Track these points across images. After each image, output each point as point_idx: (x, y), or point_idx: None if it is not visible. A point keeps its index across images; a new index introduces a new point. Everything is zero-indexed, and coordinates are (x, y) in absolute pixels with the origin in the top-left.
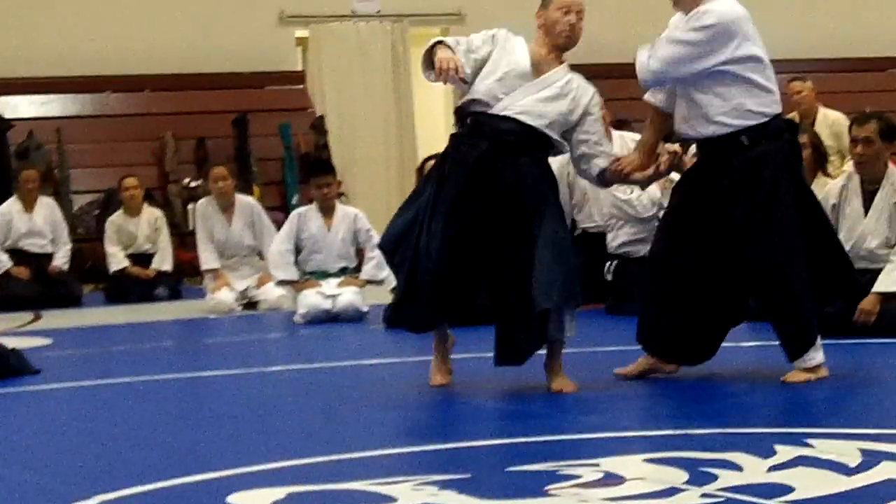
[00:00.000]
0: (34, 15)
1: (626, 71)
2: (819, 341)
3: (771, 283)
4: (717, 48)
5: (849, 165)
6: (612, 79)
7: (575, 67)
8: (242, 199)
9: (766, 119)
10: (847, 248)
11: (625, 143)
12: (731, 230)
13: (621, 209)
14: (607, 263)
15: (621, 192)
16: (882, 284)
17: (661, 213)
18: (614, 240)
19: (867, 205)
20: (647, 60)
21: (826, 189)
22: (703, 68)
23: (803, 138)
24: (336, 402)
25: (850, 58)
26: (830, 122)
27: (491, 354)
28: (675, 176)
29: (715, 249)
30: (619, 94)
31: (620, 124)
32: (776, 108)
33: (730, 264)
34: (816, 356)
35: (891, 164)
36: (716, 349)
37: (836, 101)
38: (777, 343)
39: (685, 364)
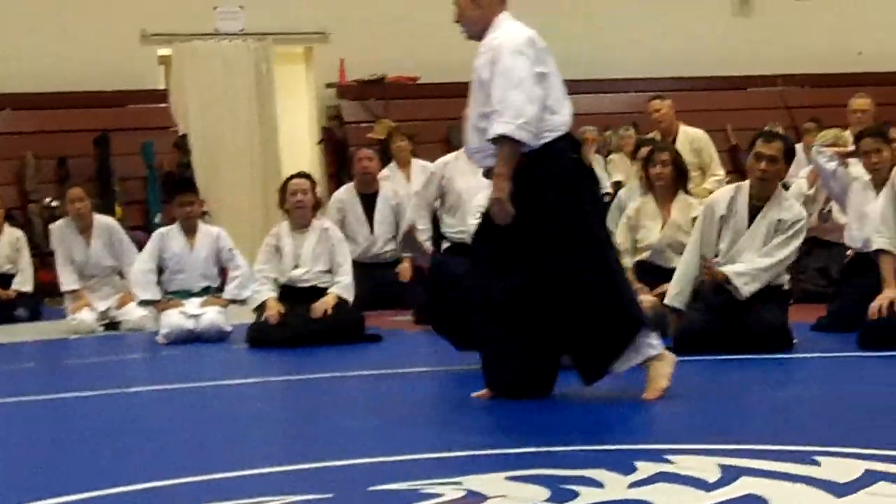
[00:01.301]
0: None
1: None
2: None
3: (572, 305)
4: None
5: (709, 182)
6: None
7: (433, 86)
8: (101, 220)
9: (548, 140)
10: (722, 260)
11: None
12: (524, 254)
13: None
14: None
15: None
16: (728, 269)
17: None
18: None
19: (751, 219)
20: (514, 124)
21: (712, 198)
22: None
23: (664, 156)
24: (198, 423)
25: (711, 76)
26: (691, 139)
27: (356, 373)
28: None
29: (515, 275)
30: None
31: None
32: (562, 129)
33: (532, 289)
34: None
35: (779, 186)
36: (547, 380)
37: (696, 118)
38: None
39: (524, 398)
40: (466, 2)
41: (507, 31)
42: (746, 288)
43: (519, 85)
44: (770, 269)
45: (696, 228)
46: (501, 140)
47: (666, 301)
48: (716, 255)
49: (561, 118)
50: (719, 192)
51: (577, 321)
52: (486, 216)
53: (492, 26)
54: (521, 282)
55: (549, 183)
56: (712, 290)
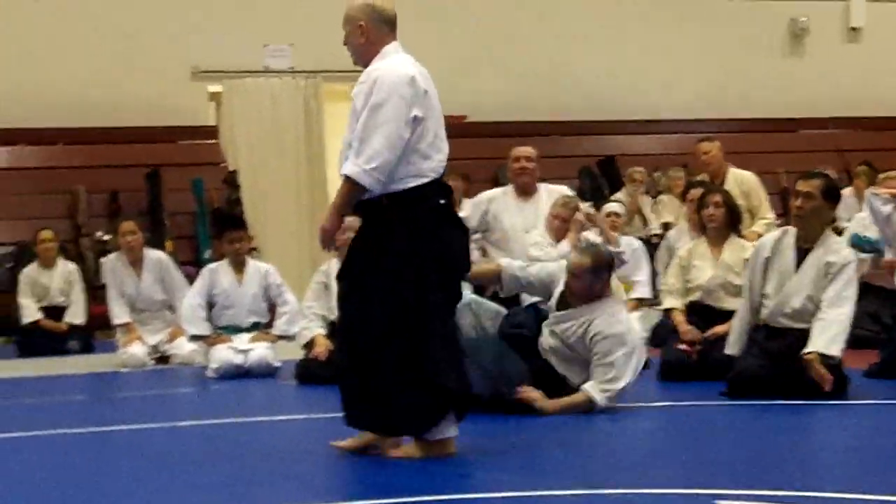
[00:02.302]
0: None
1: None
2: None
3: (357, 356)
4: None
5: (759, 224)
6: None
7: (481, 125)
8: (152, 254)
9: (411, 185)
10: (773, 302)
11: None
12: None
13: None
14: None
15: (534, 248)
16: (816, 345)
17: None
18: (531, 297)
19: (799, 262)
20: (362, 168)
21: (760, 242)
22: None
23: (716, 198)
24: (245, 458)
25: (762, 118)
26: (740, 181)
27: None
28: (590, 234)
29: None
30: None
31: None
32: (429, 175)
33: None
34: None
35: (828, 229)
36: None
37: (747, 160)
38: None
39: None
40: (352, 28)
41: (391, 65)
42: (838, 347)
43: (383, 127)
44: (850, 318)
45: (745, 276)
46: (346, 178)
47: (726, 350)
48: (762, 297)
49: (430, 164)
50: (767, 235)
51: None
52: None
53: (379, 55)
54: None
55: (399, 230)
56: (765, 335)
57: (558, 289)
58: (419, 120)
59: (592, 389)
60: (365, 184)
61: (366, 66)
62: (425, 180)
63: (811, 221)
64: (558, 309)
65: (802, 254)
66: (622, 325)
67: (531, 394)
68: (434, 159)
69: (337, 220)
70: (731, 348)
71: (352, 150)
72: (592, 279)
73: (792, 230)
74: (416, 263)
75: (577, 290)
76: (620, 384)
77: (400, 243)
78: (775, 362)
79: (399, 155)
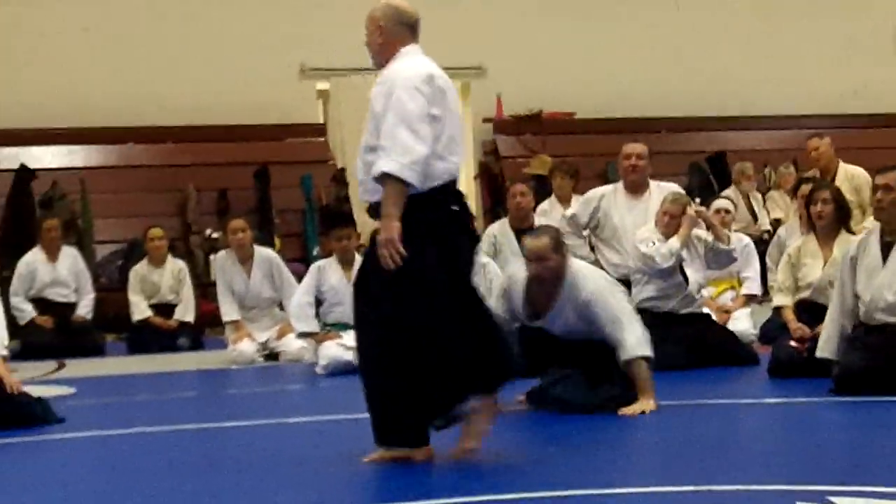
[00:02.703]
0: (57, 66)
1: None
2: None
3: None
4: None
5: (870, 220)
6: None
7: (590, 122)
8: (261, 251)
9: (430, 185)
10: (866, 299)
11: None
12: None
13: (645, 263)
14: None
15: (643, 245)
16: None
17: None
18: (639, 294)
19: (885, 256)
20: (400, 163)
21: (849, 244)
22: None
23: (825, 194)
24: (356, 453)
25: (872, 114)
26: (850, 177)
27: None
28: (700, 231)
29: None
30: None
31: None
32: (444, 178)
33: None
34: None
35: None
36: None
37: (857, 156)
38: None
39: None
40: (372, 28)
41: (408, 64)
42: None
43: (409, 123)
44: None
45: (837, 277)
46: (387, 178)
47: (817, 353)
48: (856, 297)
49: (446, 165)
50: (854, 237)
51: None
52: (372, 249)
53: (395, 57)
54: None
55: (413, 234)
56: (865, 332)
57: (519, 300)
58: (437, 118)
59: (636, 351)
60: (407, 179)
61: (381, 67)
62: (440, 182)
63: (892, 213)
64: (531, 319)
65: (888, 247)
66: (595, 279)
67: (634, 409)
68: (449, 161)
69: (397, 227)
70: (822, 351)
71: (382, 150)
72: (559, 256)
73: (876, 227)
74: (420, 267)
75: (549, 273)
76: (638, 326)
77: (414, 249)
78: (881, 356)
79: (428, 151)
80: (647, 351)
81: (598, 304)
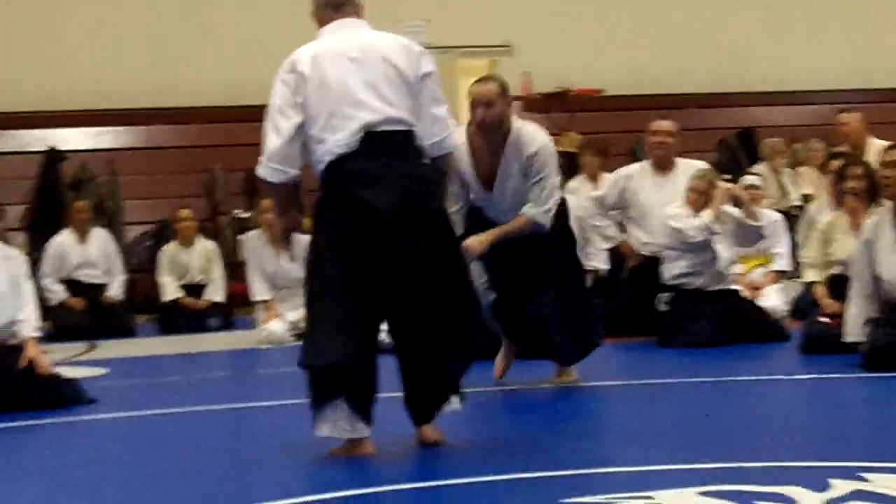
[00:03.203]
0: (85, 48)
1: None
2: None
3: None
4: None
5: None
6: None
7: (618, 99)
8: None
9: (320, 169)
10: (887, 278)
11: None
12: None
13: (677, 238)
14: (659, 294)
15: (674, 220)
16: None
17: (713, 239)
18: (670, 270)
19: None
20: (260, 163)
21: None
22: None
23: (857, 170)
24: (381, 433)
25: None
26: (880, 153)
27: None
28: (728, 208)
29: None
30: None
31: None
32: (325, 159)
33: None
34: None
35: None
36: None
37: (887, 131)
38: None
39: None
40: (313, 18)
41: (297, 50)
42: None
43: (271, 117)
44: None
45: (854, 261)
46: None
47: (844, 339)
48: (876, 280)
49: (326, 147)
50: (869, 219)
51: None
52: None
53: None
54: None
55: (315, 220)
56: (891, 310)
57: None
58: (300, 106)
59: (538, 219)
60: (263, 177)
61: None
62: (321, 166)
63: None
64: (484, 189)
65: None
66: (543, 136)
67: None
68: (328, 141)
69: (279, 222)
70: (849, 336)
71: None
72: (504, 103)
73: (888, 206)
74: (317, 250)
75: (494, 119)
76: (554, 198)
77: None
78: None
79: (284, 143)
80: (546, 221)
81: (545, 159)
